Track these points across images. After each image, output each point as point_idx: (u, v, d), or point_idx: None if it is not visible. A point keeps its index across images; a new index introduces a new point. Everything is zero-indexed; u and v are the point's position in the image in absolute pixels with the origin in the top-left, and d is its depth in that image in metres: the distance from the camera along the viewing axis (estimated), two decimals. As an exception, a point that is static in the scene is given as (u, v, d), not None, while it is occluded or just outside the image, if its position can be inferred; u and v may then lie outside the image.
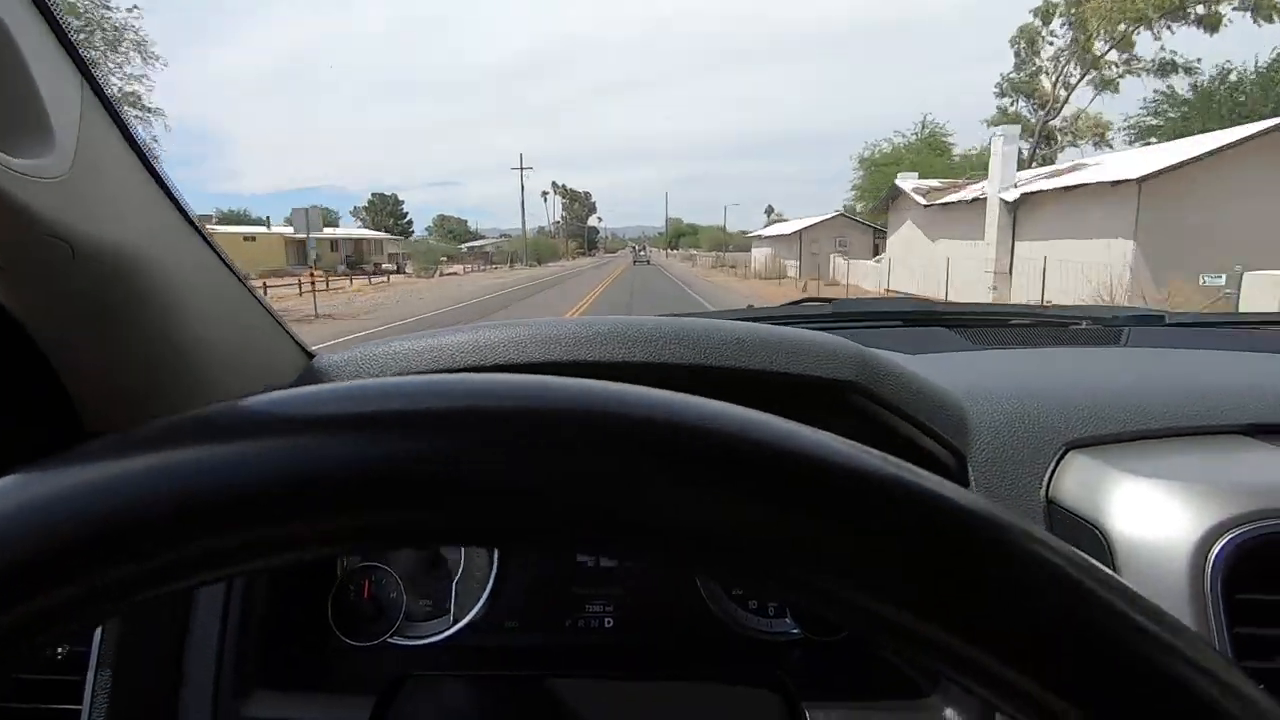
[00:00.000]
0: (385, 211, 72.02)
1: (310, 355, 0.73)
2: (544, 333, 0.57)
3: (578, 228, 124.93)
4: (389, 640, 0.77)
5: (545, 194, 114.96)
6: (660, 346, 0.54)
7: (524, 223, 58.11)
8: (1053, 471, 0.64)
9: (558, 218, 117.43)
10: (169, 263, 0.62)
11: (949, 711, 0.60)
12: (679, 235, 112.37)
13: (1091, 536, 0.58)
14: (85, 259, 0.55)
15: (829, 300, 1.40)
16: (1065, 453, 0.65)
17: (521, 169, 63.28)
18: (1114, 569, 0.56)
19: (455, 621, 0.78)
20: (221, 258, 0.68)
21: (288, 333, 0.70)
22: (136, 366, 0.68)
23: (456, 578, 0.79)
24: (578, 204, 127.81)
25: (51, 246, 0.52)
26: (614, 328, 0.56)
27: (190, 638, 0.64)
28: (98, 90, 0.57)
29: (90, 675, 0.61)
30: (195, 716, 0.63)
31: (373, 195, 75.50)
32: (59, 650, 0.63)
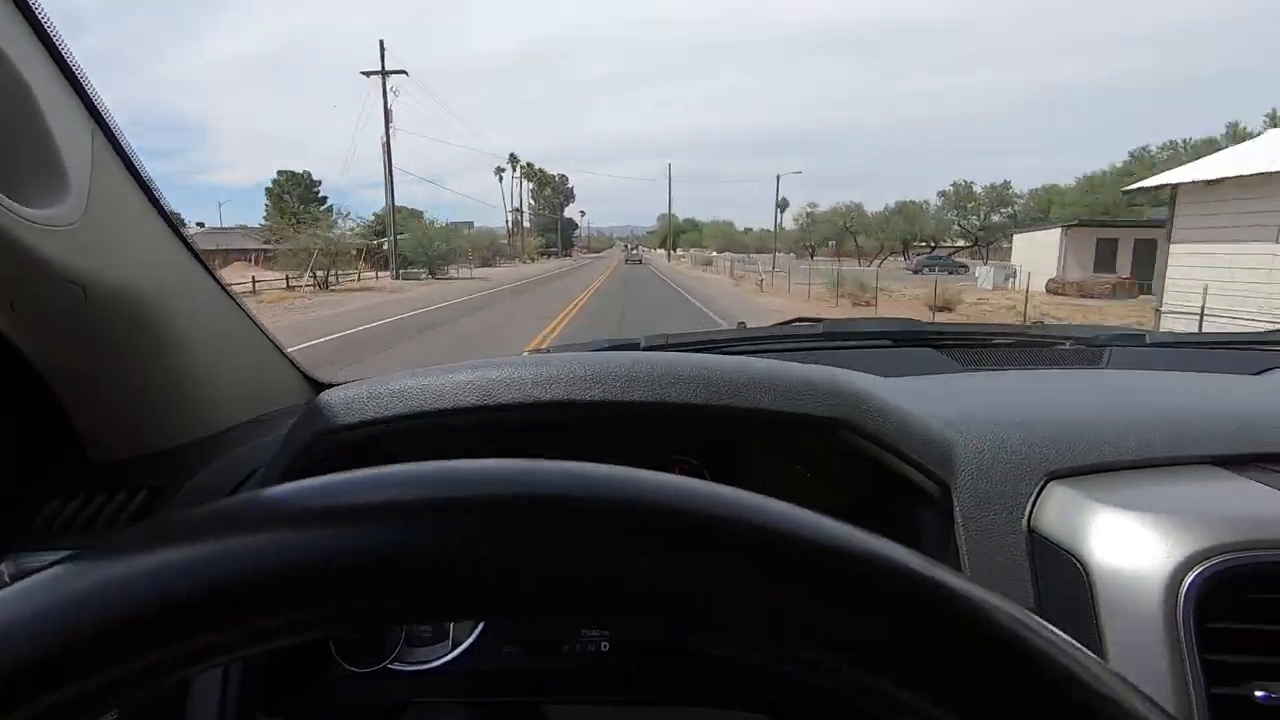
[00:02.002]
0: (296, 195, 52.37)
1: (316, 386, 0.74)
2: (543, 373, 0.59)
3: (550, 220, 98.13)
4: (389, 666, 0.78)
5: (501, 170, 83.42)
6: (659, 387, 0.56)
7: (389, 191, 31.12)
8: (1034, 502, 0.66)
9: (518, 204, 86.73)
10: (176, 299, 0.63)
11: None
12: (678, 232, 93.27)
13: (1071, 566, 0.60)
14: (96, 300, 0.57)
15: (819, 320, 1.42)
16: (1046, 483, 0.67)
17: (384, 74, 31.68)
18: (1092, 599, 0.58)
19: (455, 646, 0.79)
20: (227, 292, 0.70)
21: (293, 364, 0.72)
22: (142, 399, 0.69)
23: None
24: (550, 189, 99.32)
25: (64, 289, 0.54)
26: (613, 366, 0.58)
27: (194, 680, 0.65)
28: (110, 135, 0.58)
29: None
30: None
31: (279, 174, 55.22)
32: None
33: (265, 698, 0.67)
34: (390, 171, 31.97)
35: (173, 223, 0.64)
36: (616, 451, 0.76)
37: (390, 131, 32.27)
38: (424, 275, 30.78)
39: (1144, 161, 41.48)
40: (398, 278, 29.19)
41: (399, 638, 0.78)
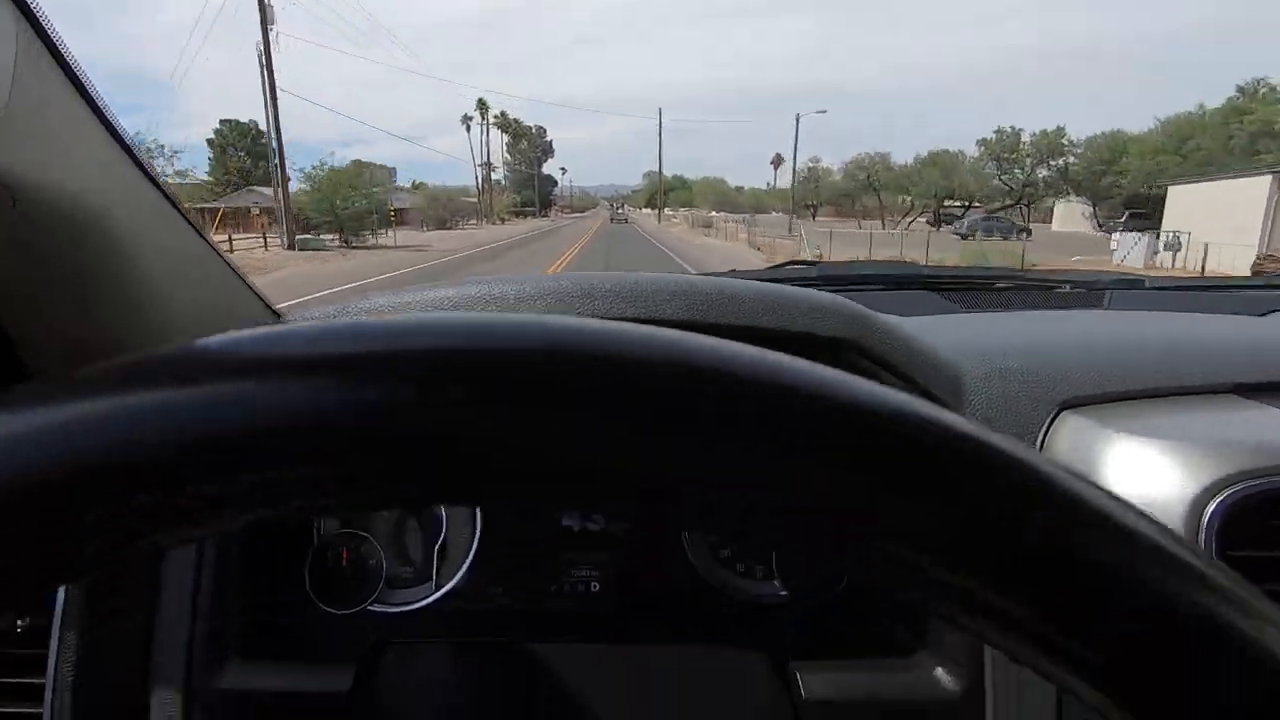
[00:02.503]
0: (242, 148, 47.64)
1: (276, 314, 0.69)
2: (526, 290, 0.54)
3: (526, 176, 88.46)
4: (369, 608, 0.75)
5: (469, 119, 73.76)
6: (656, 303, 0.52)
7: (272, 119, 19.49)
8: (1046, 432, 0.63)
9: (493, 161, 77.42)
10: (118, 210, 0.57)
11: (938, 670, 0.60)
12: (667, 190, 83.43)
13: None
14: (27, 205, 0.51)
15: (814, 263, 1.38)
16: (1058, 413, 0.64)
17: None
18: None
19: (438, 588, 0.76)
20: (176, 206, 0.64)
21: (250, 288, 0.66)
22: (86, 316, 0.64)
23: (438, 543, 0.77)
24: (526, 142, 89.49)
25: (-12, 192, 0.48)
26: (607, 283, 0.54)
27: (160, 611, 0.62)
28: (34, 22, 0.51)
29: (54, 648, 0.58)
30: (166, 690, 0.60)
31: (221, 123, 48.84)
32: (19, 623, 0.60)
33: (238, 641, 0.64)
34: (271, 84, 20.20)
35: (113, 126, 0.58)
36: None
37: (271, 34, 20.92)
38: (332, 243, 22.21)
39: (1259, 97, 33.09)
40: (293, 248, 20.34)
41: (379, 578, 0.75)
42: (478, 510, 0.78)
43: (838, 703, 0.58)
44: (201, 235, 0.63)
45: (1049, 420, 0.64)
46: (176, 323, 0.59)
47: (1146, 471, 0.56)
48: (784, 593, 0.77)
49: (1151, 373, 0.66)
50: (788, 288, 0.58)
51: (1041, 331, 0.75)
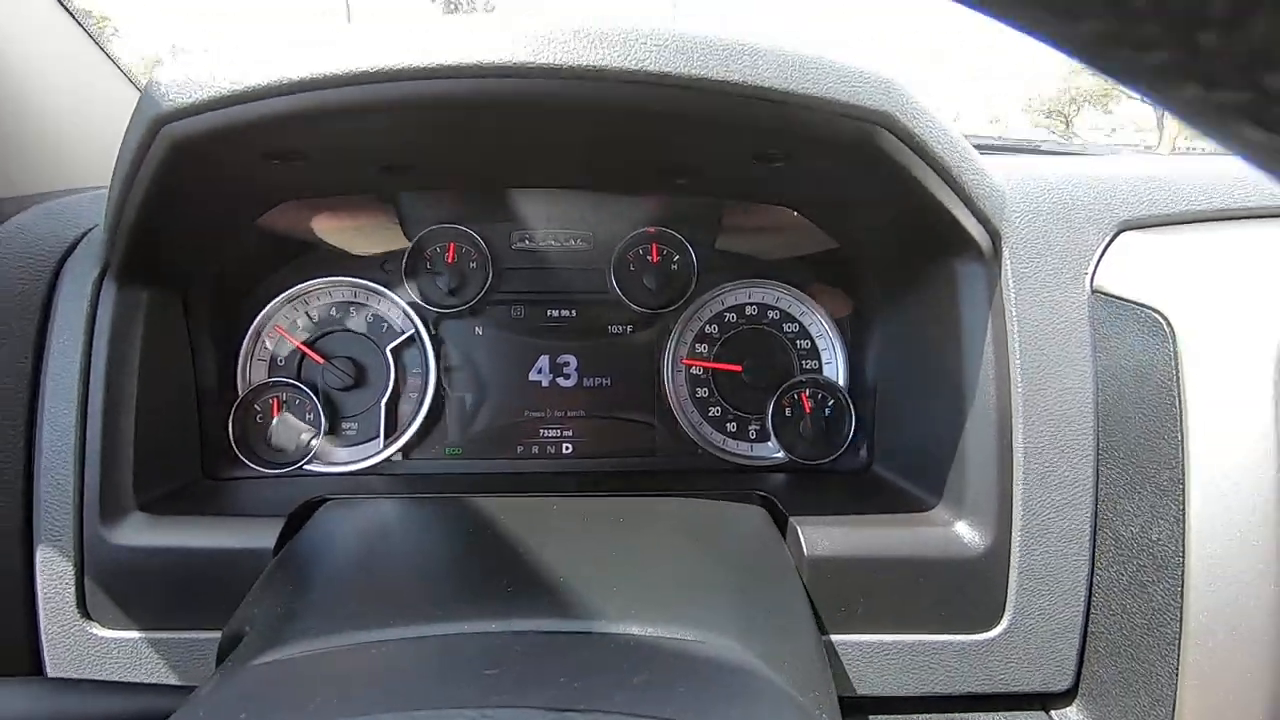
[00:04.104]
0: None
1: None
2: (510, 33, 0.41)
3: None
4: (305, 466, 0.65)
5: None
6: (673, 56, 0.38)
7: None
8: (1101, 255, 0.53)
9: None
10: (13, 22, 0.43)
11: (959, 525, 0.53)
12: None
13: (1150, 323, 0.48)
14: None
15: None
16: (1117, 234, 0.54)
17: None
18: (1174, 356, 0.47)
19: (385, 446, 0.67)
20: (90, 34, 0.49)
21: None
22: None
23: (386, 396, 0.67)
24: None
25: None
26: (610, 27, 0.41)
27: (39, 457, 0.51)
28: None
29: None
30: (53, 543, 0.51)
31: None
32: None
33: (141, 495, 0.54)
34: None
35: None
36: (591, 169, 0.59)
37: None
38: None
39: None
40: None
41: (316, 434, 0.65)
42: (431, 358, 0.67)
43: (846, 559, 0.51)
44: (116, 65, 0.48)
45: (1106, 242, 0.54)
46: (82, 154, 0.47)
47: (1223, 298, 0.47)
48: (780, 455, 0.69)
49: (1228, 190, 0.56)
50: (818, 51, 0.46)
51: (1099, 163, 0.64)
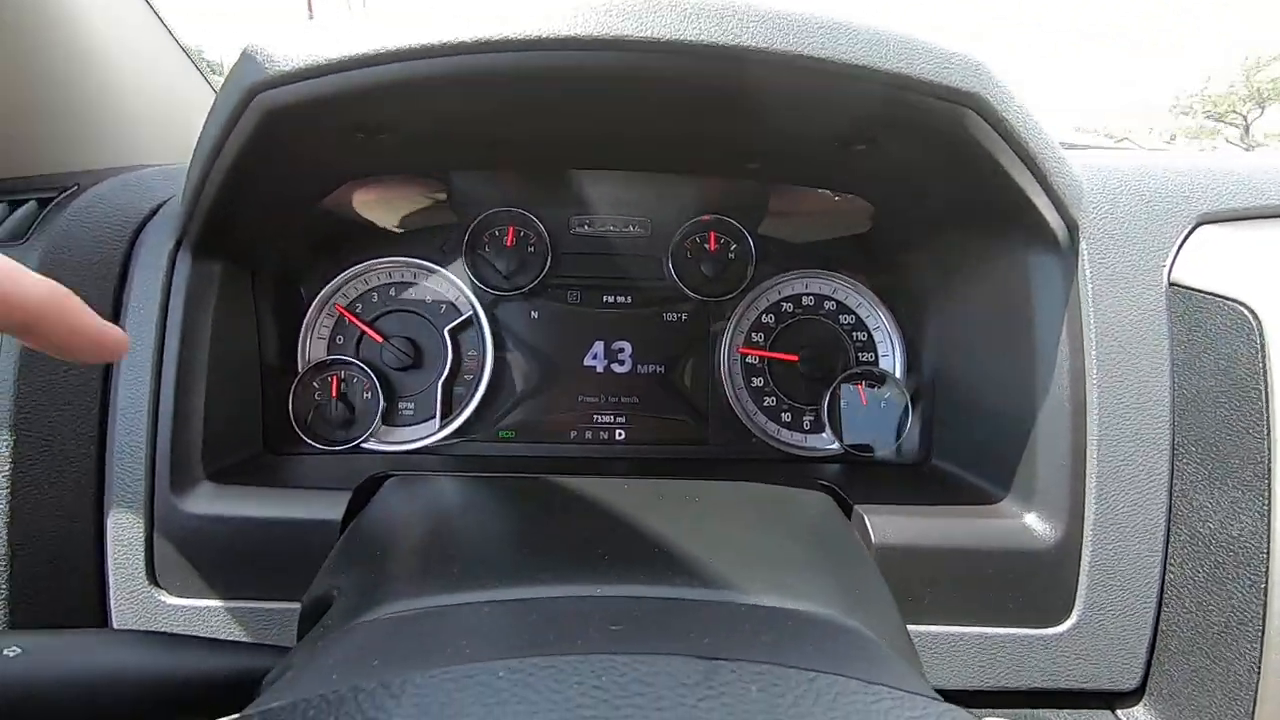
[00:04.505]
0: None
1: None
2: None
3: None
4: (362, 445, 0.65)
5: None
6: (758, 29, 0.39)
7: None
8: (1179, 248, 0.53)
9: None
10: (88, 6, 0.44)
11: (1029, 517, 0.52)
12: None
13: (1234, 318, 0.48)
14: None
15: None
16: (1196, 227, 0.53)
17: None
18: (1261, 349, 0.46)
19: (442, 427, 0.67)
20: (160, 19, 0.50)
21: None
22: (43, 109, 0.51)
23: (443, 376, 0.67)
24: None
25: None
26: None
27: (114, 424, 0.52)
28: None
29: None
30: (124, 509, 0.51)
31: None
32: None
33: (211, 463, 0.54)
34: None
35: None
36: (668, 151, 0.58)
37: None
38: None
39: None
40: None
41: (374, 415, 0.65)
42: (488, 340, 0.67)
43: (913, 548, 0.50)
44: (180, 47, 0.49)
45: (1184, 235, 0.53)
46: (145, 131, 0.47)
47: None
48: (835, 446, 0.69)
49: None
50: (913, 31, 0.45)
51: (1176, 156, 0.63)
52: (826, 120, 0.46)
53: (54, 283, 0.27)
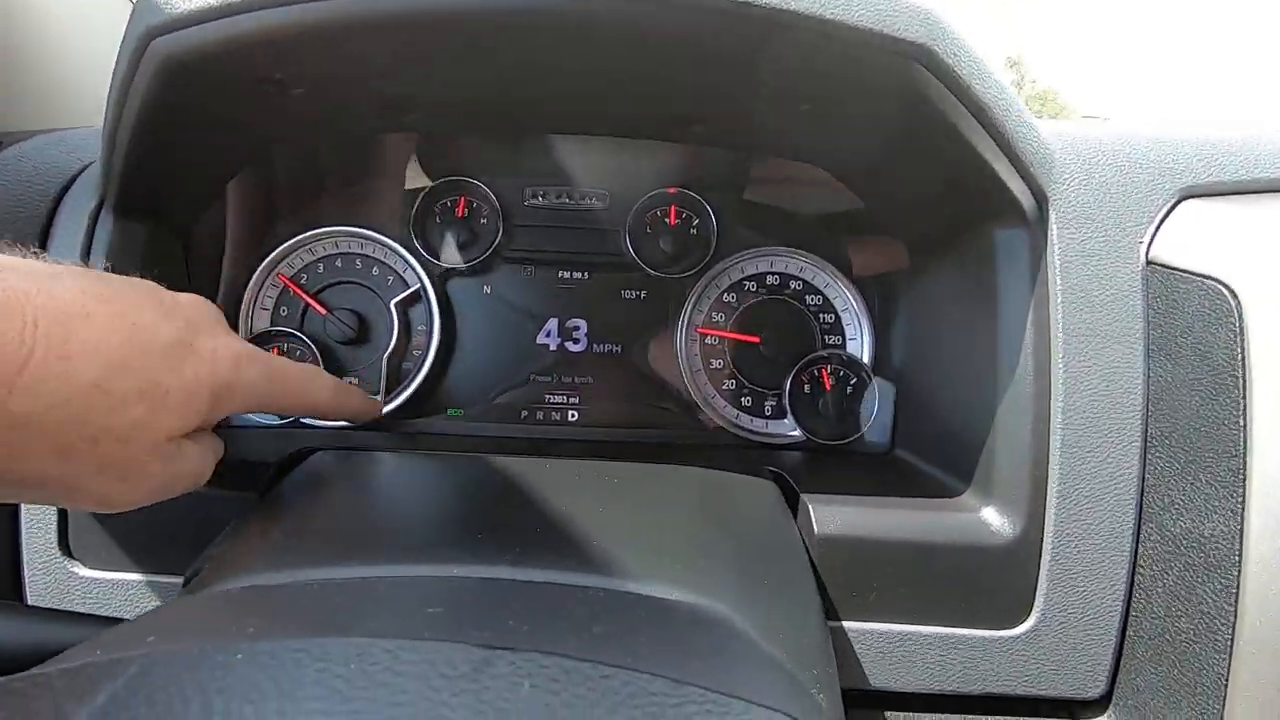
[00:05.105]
0: None
1: None
2: None
3: None
4: (302, 419, 0.63)
5: None
6: None
7: None
8: (1159, 224, 0.49)
9: None
10: None
11: (987, 511, 0.48)
12: None
13: (1213, 296, 0.44)
14: None
15: None
16: (1178, 202, 0.49)
17: None
18: (1240, 333, 0.42)
19: (386, 403, 0.64)
20: None
21: None
22: None
23: (388, 350, 0.64)
24: None
25: None
26: None
27: None
28: None
29: None
30: None
31: None
32: None
33: None
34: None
35: None
36: (600, 109, 0.55)
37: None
38: None
39: None
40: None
41: None
42: (435, 315, 0.65)
43: (858, 540, 0.47)
44: None
45: (1165, 210, 0.49)
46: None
47: (1272, 262, 0.42)
48: (795, 433, 0.65)
49: None
50: None
51: (1160, 128, 0.59)
52: (758, 73, 0.43)
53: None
